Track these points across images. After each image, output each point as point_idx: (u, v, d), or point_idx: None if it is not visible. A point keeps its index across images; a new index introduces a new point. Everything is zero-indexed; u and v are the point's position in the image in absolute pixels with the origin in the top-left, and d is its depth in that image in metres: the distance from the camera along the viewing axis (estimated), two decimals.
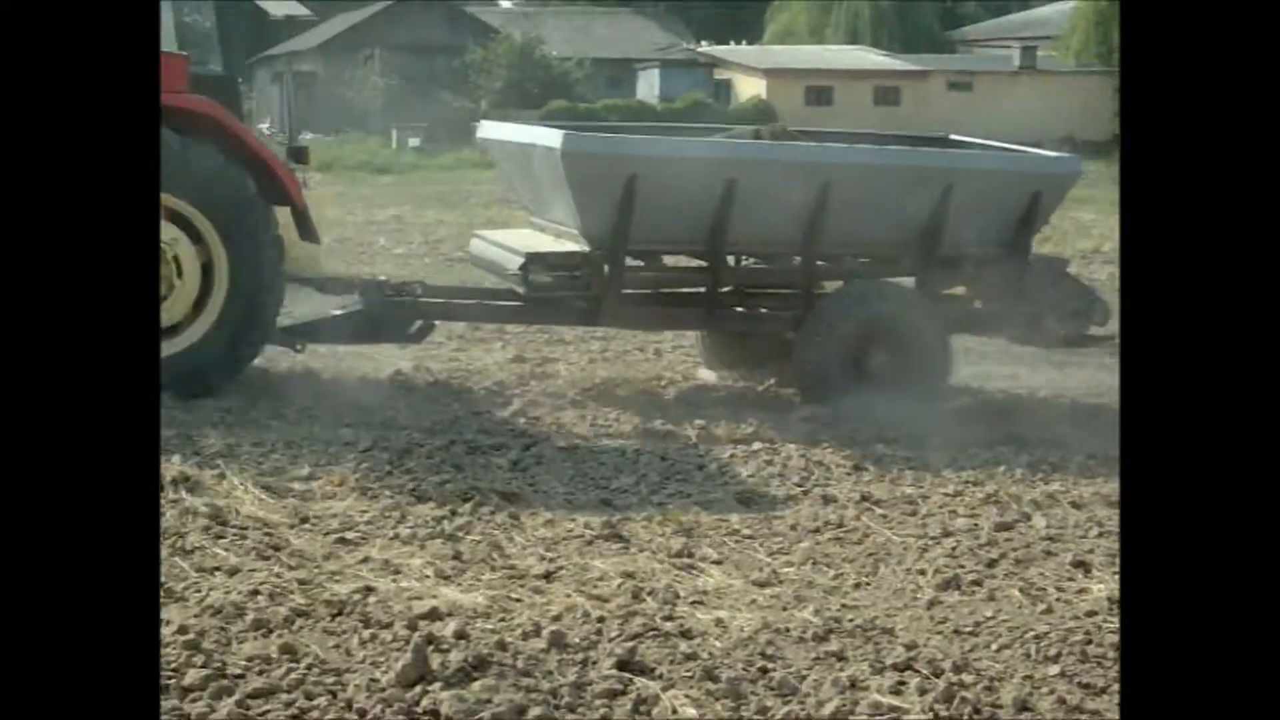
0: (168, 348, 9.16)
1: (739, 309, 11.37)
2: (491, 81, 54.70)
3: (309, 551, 6.14)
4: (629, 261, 10.63)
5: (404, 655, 4.78)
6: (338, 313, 10.63)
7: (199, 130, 9.33)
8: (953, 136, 13.61)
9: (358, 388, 10.07)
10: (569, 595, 5.69)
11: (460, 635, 5.04)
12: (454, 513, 6.88)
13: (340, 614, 5.28)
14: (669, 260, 11.29)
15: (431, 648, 4.89)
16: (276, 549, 6.11)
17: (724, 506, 7.44)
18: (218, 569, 5.75)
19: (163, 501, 6.61)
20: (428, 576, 5.88)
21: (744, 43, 58.99)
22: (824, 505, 7.49)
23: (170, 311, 9.35)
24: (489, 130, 12.01)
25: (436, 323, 11.07)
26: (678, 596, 5.79)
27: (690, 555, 6.50)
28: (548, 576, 6.00)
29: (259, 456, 7.84)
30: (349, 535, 6.44)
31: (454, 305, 11.22)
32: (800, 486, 7.92)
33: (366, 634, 5.08)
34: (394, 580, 5.77)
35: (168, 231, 9.23)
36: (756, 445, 8.83)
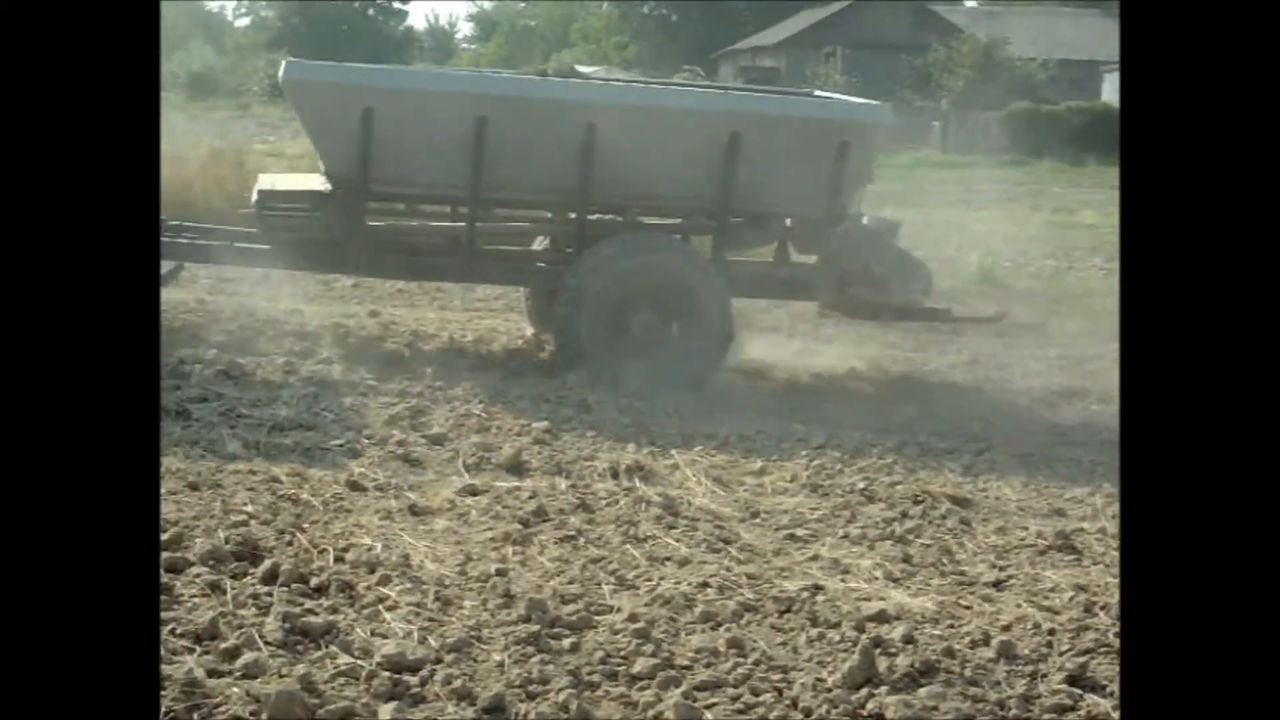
0: None
1: (502, 262, 10.57)
2: (954, 81, 54.21)
3: (759, 546, 6.17)
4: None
5: (851, 656, 4.75)
6: None
7: None
8: (817, 92, 11.94)
9: (810, 384, 10.09)
10: (1019, 605, 5.54)
11: (908, 640, 4.97)
12: (904, 515, 6.80)
13: (788, 611, 5.28)
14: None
15: (879, 650, 4.83)
16: (727, 542, 6.16)
17: None
18: (669, 559, 5.84)
19: (616, 489, 6.77)
20: (876, 578, 5.82)
21: None
22: None
23: None
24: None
25: (186, 264, 10.74)
26: None
27: None
28: (998, 585, 5.87)
29: (712, 449, 7.95)
30: (799, 532, 6.44)
31: (201, 246, 10.53)
32: None
33: (814, 632, 5.06)
34: (842, 580, 5.74)
35: None
36: None
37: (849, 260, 9.97)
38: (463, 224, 10.04)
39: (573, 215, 10.05)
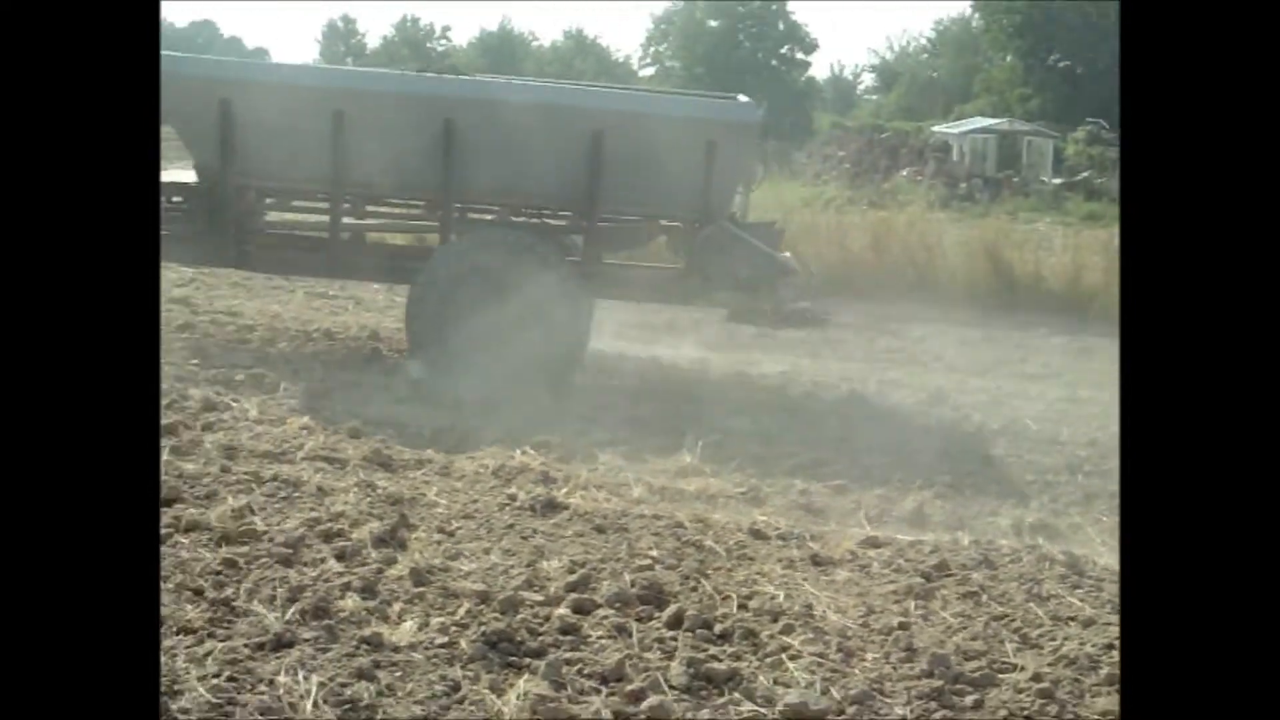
0: None
1: (373, 258, 10.36)
2: None
3: None
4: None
5: None
6: None
7: None
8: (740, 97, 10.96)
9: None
10: None
11: None
12: None
13: None
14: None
15: None
16: None
17: None
18: (1073, 619, 5.73)
19: (1018, 546, 6.68)
20: None
21: None
22: None
23: None
24: None
25: None
26: None
27: None
28: None
29: (1116, 507, 7.76)
30: None
31: None
32: None
33: None
34: None
35: None
36: None
37: (713, 263, 9.74)
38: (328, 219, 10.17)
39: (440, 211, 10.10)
